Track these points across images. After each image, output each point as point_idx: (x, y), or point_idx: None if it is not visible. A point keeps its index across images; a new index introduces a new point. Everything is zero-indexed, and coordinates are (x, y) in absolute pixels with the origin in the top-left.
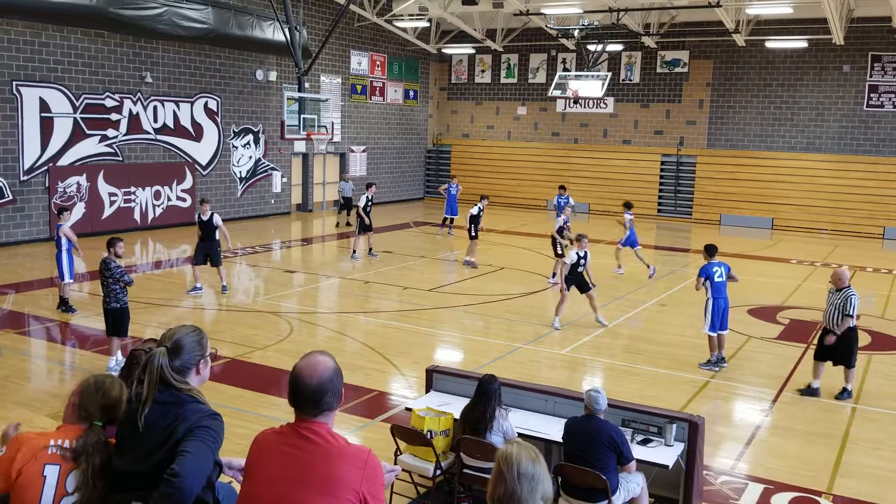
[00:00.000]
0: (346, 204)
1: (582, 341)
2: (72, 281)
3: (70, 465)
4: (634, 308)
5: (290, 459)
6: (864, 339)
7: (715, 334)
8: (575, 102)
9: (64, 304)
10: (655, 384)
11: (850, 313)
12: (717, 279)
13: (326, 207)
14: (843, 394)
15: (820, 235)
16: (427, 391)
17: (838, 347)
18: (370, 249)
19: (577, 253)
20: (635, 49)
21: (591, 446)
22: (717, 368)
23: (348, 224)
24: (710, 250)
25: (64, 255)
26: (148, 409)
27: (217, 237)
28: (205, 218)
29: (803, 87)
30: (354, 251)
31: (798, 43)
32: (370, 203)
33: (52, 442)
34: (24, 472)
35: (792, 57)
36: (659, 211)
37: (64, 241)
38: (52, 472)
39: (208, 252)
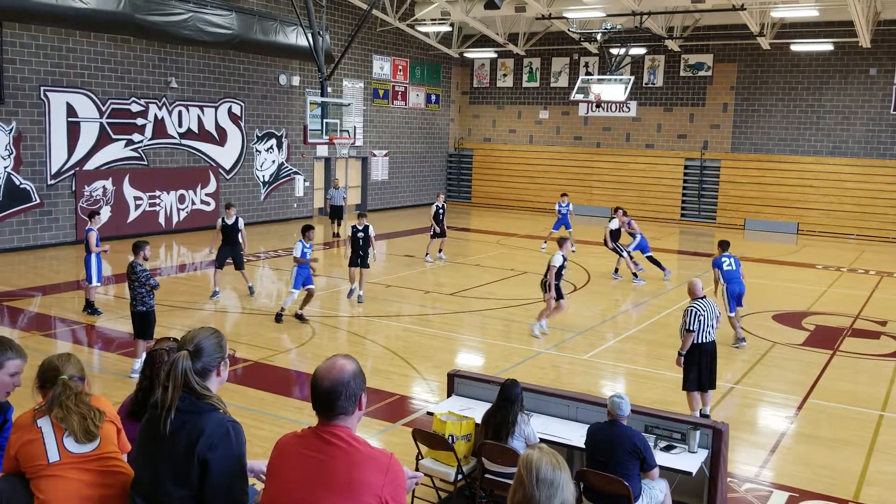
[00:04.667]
0: (335, 213)
1: (604, 346)
2: (99, 284)
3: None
4: (658, 313)
5: (311, 463)
6: (890, 345)
7: (733, 314)
8: (597, 106)
9: (90, 307)
10: (678, 390)
11: (690, 328)
12: (726, 268)
13: (348, 211)
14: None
15: (846, 240)
16: (448, 395)
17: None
18: (440, 250)
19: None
20: (658, 52)
21: (613, 452)
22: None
23: (337, 235)
24: (723, 245)
25: (93, 258)
26: (173, 416)
27: (240, 240)
28: (230, 222)
29: (829, 90)
30: (427, 254)
31: (824, 46)
32: (441, 210)
33: (35, 407)
34: (21, 438)
35: (817, 60)
36: (682, 215)
37: (91, 243)
38: (45, 423)
39: (232, 255)
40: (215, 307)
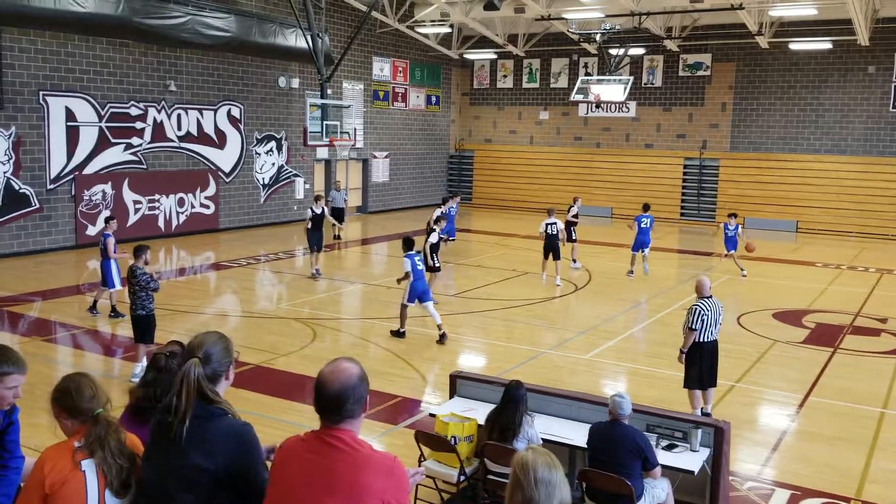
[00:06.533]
0: (337, 215)
1: (605, 346)
2: (121, 288)
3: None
4: (658, 312)
5: (314, 467)
6: (890, 342)
7: (636, 252)
8: (597, 107)
9: (113, 311)
10: (680, 389)
11: (692, 326)
12: (643, 226)
13: (348, 213)
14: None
15: (846, 238)
16: (451, 397)
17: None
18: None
19: None
20: (657, 53)
21: (615, 452)
22: (632, 276)
23: (338, 237)
24: (645, 207)
25: (112, 263)
26: (188, 423)
27: (322, 227)
28: (318, 211)
29: (827, 88)
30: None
31: (822, 44)
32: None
33: (75, 443)
34: (58, 478)
35: (816, 58)
36: (682, 215)
37: (110, 249)
38: (90, 468)
39: (318, 239)
40: (218, 309)
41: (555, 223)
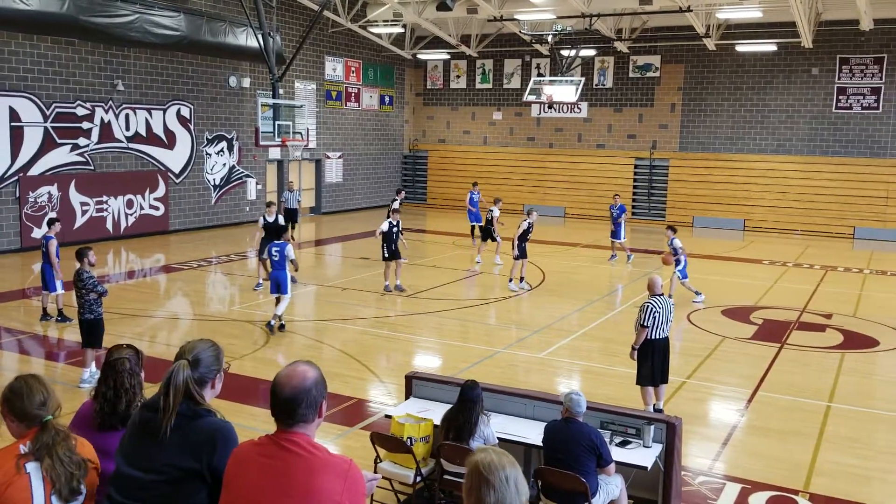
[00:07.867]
0: (290, 215)
1: (559, 344)
2: (63, 292)
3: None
4: (611, 310)
5: (269, 471)
6: (835, 338)
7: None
8: (549, 107)
9: (60, 315)
10: (632, 386)
11: (644, 323)
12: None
13: (301, 214)
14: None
15: (791, 236)
16: (407, 398)
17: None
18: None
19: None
20: (608, 54)
21: (570, 449)
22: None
23: (293, 238)
24: (616, 197)
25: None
26: (173, 422)
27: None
28: (270, 219)
29: (773, 89)
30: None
31: (767, 46)
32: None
33: (21, 447)
34: (1, 481)
35: (762, 60)
36: (633, 214)
37: (51, 252)
38: (35, 471)
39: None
40: (169, 312)
41: (491, 211)
